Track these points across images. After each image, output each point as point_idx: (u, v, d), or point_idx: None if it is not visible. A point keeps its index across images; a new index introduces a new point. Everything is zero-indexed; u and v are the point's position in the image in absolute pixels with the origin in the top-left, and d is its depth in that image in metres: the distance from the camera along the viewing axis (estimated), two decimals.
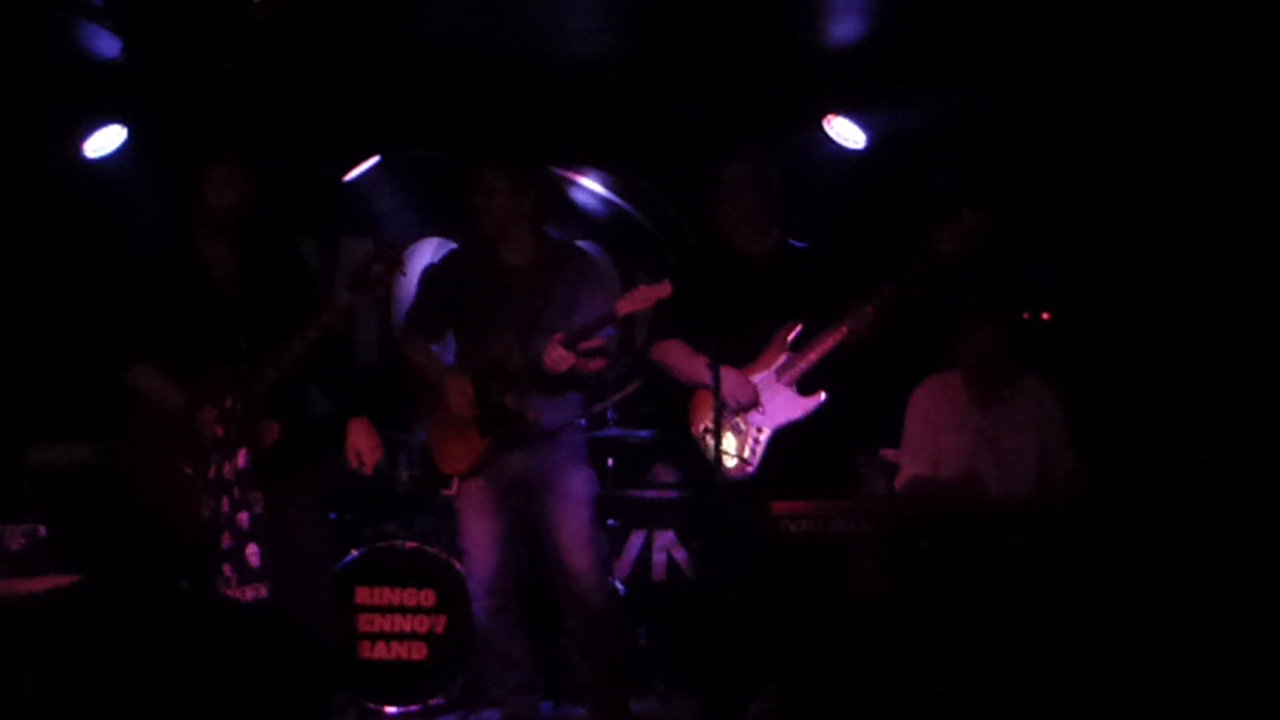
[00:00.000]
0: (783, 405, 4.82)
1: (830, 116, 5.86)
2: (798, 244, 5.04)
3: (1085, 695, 4.15)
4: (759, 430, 4.82)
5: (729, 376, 4.63)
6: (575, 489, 4.84)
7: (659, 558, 6.09)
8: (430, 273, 5.17)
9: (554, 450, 4.83)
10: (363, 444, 4.70)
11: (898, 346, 4.94)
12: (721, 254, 4.95)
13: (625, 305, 4.64)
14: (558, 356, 4.64)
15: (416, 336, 4.99)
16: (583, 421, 5.01)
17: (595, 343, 4.72)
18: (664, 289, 4.61)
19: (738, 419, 4.79)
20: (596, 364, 4.82)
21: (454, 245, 6.42)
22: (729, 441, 4.76)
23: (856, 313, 4.71)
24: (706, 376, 4.62)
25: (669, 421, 5.22)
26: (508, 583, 4.86)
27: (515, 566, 4.93)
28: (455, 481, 4.84)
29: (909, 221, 4.91)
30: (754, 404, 4.79)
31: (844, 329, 4.73)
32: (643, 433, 6.00)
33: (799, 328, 4.82)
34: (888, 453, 5.20)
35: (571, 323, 4.73)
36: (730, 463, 4.73)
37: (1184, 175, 5.60)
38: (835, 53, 5.71)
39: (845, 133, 5.87)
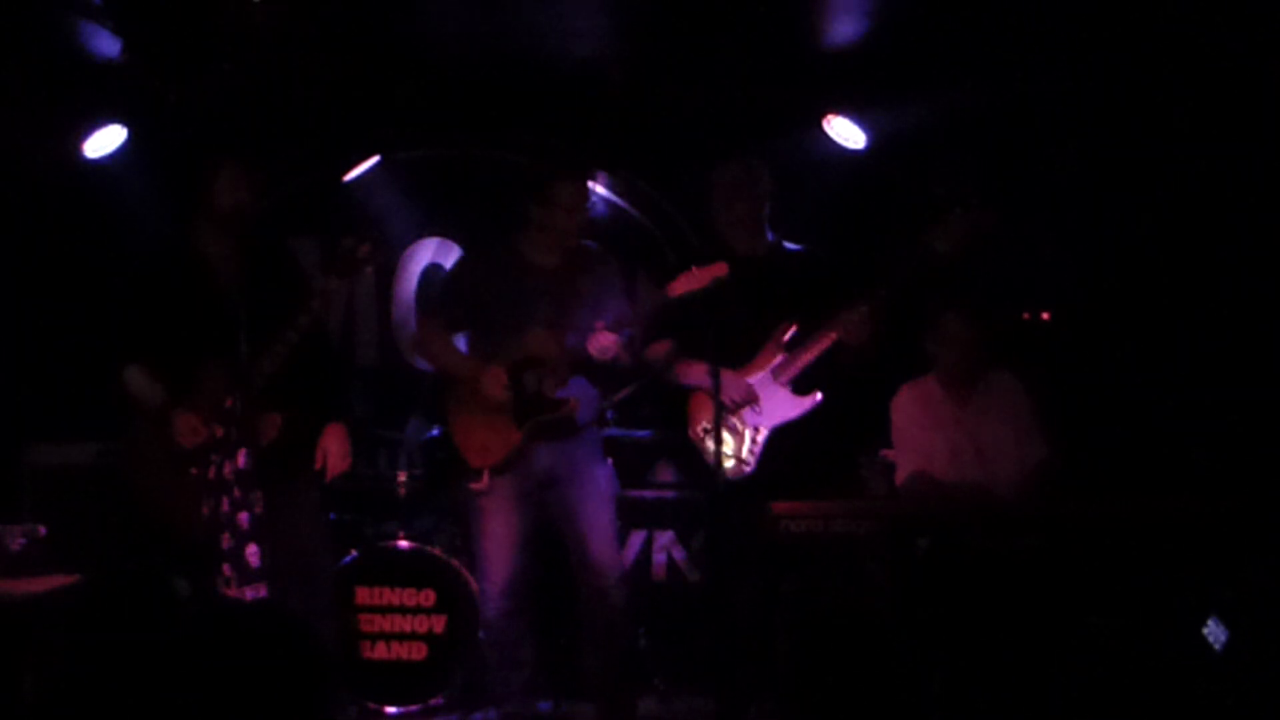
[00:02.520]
0: (779, 405, 4.83)
1: (830, 116, 5.86)
2: (792, 246, 5.04)
3: (1085, 695, 4.15)
4: (756, 430, 4.83)
5: (724, 377, 4.64)
6: (601, 484, 4.86)
7: (659, 558, 6.09)
8: (456, 268, 5.13)
9: (579, 446, 4.83)
10: (333, 448, 4.66)
11: (895, 345, 4.96)
12: (718, 256, 4.96)
13: (678, 286, 4.59)
14: (605, 342, 4.63)
15: (435, 326, 4.96)
16: (610, 414, 5.00)
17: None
18: (720, 268, 4.55)
19: (734, 419, 4.80)
20: (631, 353, 4.82)
21: (452, 243, 6.47)
22: (726, 443, 4.76)
23: (851, 313, 4.73)
24: (702, 379, 4.65)
25: (669, 421, 5.23)
26: (523, 585, 4.83)
27: (531, 569, 4.90)
28: (486, 475, 4.77)
29: (906, 221, 4.92)
30: (749, 401, 4.80)
31: (839, 329, 4.75)
32: (643, 433, 6.00)
33: (794, 328, 4.83)
34: (888, 453, 5.21)
35: (597, 319, 4.71)
36: (728, 464, 4.74)
37: (1184, 175, 5.60)
38: (835, 53, 5.71)
39: (845, 133, 5.87)
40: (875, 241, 5.58)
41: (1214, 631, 4.10)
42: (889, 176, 6.03)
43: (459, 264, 5.15)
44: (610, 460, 5.05)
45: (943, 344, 4.93)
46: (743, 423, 4.83)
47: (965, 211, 4.68)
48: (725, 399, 4.70)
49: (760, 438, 4.84)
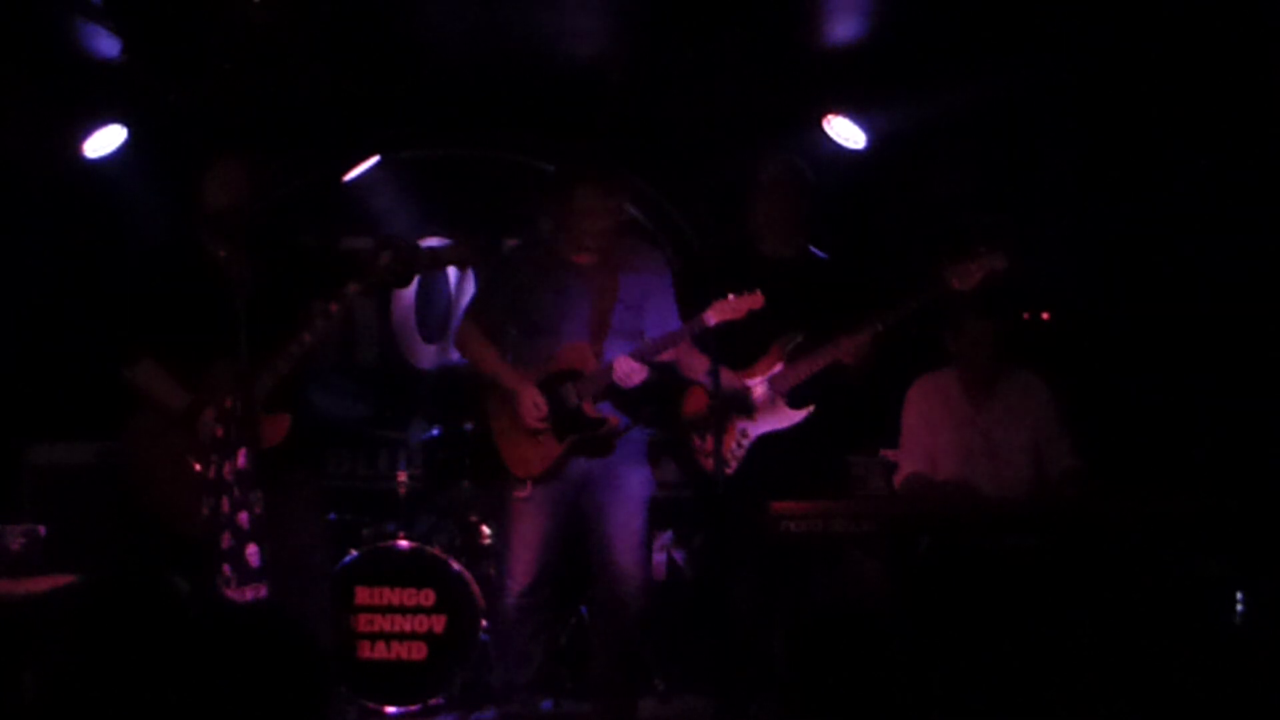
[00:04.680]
0: (771, 414, 4.84)
1: (830, 116, 5.86)
2: (819, 254, 5.04)
3: (1084, 694, 4.15)
4: (743, 434, 4.84)
5: (723, 377, 4.64)
6: (634, 488, 4.80)
7: (659, 558, 6.09)
8: (493, 268, 5.11)
9: (618, 448, 4.79)
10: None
11: (891, 353, 4.96)
12: (739, 253, 4.97)
13: (714, 315, 4.55)
14: (630, 368, 4.59)
15: (475, 329, 4.89)
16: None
17: (668, 355, 4.69)
18: (756, 299, 4.54)
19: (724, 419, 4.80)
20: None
21: (450, 241, 6.47)
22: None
23: (857, 336, 4.72)
24: (702, 375, 4.67)
25: (669, 421, 5.23)
26: (545, 583, 4.79)
27: (556, 568, 4.86)
28: (529, 484, 4.72)
29: (925, 245, 4.92)
30: (744, 404, 4.82)
31: (842, 349, 4.74)
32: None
33: (798, 339, 4.84)
34: (888, 452, 5.21)
35: (639, 321, 4.71)
36: (708, 460, 4.73)
37: (1184, 174, 5.60)
38: (835, 53, 5.71)
39: (845, 133, 5.87)
40: (893, 260, 5.58)
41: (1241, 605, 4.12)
42: (889, 176, 6.03)
43: (498, 264, 5.10)
44: (648, 462, 4.95)
45: (964, 346, 4.90)
46: (731, 424, 4.84)
47: (989, 254, 4.67)
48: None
49: (745, 442, 4.84)
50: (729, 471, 4.80)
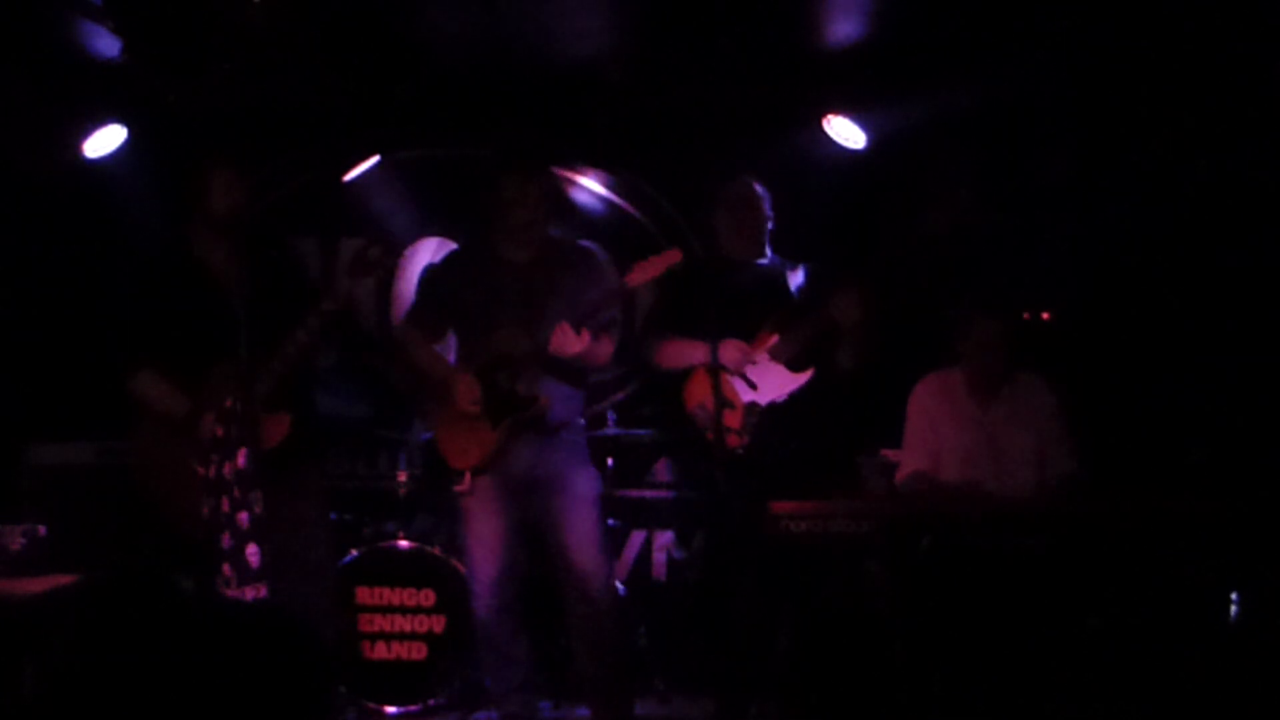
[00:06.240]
0: (774, 381, 4.90)
1: (830, 116, 5.86)
2: (794, 272, 5.08)
3: (1085, 695, 4.16)
4: (752, 405, 4.87)
5: (720, 345, 4.69)
6: (583, 488, 4.84)
7: (659, 558, 6.10)
8: (431, 271, 5.17)
9: (560, 449, 4.82)
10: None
11: (896, 343, 4.96)
12: (718, 260, 5.02)
13: (635, 276, 4.61)
14: (567, 338, 4.64)
15: (415, 333, 4.99)
16: (582, 421, 5.01)
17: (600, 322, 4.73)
18: (674, 255, 4.58)
19: (730, 394, 4.82)
20: (605, 349, 4.83)
21: (454, 243, 6.47)
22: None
23: (842, 295, 4.76)
24: (700, 354, 4.76)
25: (669, 421, 5.24)
26: (512, 582, 4.84)
27: (520, 566, 4.91)
28: (468, 476, 4.78)
29: (896, 209, 4.98)
30: (746, 362, 4.84)
31: (832, 306, 4.77)
32: (643, 433, 6.00)
33: (788, 314, 4.88)
34: (888, 452, 5.22)
35: (574, 315, 4.71)
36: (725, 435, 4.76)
37: (1184, 174, 5.61)
38: (835, 53, 5.71)
39: (845, 133, 5.87)
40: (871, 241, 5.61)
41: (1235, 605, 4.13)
42: (889, 176, 6.03)
43: (434, 267, 5.17)
44: (593, 463, 4.99)
45: (973, 347, 4.91)
46: (738, 397, 4.85)
47: (948, 191, 4.72)
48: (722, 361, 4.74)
49: (756, 408, 4.86)
50: (744, 445, 4.81)
